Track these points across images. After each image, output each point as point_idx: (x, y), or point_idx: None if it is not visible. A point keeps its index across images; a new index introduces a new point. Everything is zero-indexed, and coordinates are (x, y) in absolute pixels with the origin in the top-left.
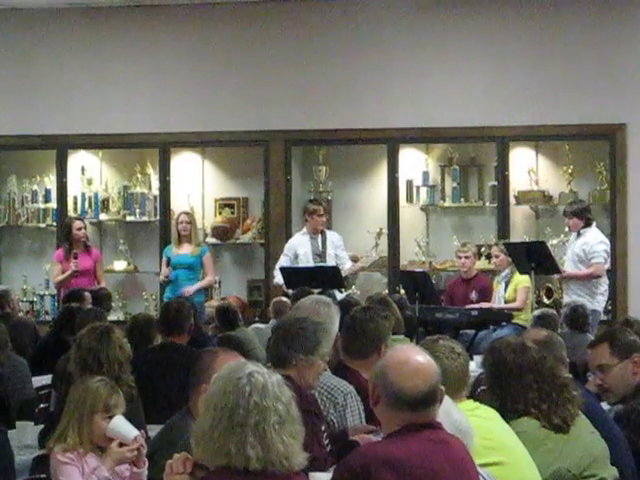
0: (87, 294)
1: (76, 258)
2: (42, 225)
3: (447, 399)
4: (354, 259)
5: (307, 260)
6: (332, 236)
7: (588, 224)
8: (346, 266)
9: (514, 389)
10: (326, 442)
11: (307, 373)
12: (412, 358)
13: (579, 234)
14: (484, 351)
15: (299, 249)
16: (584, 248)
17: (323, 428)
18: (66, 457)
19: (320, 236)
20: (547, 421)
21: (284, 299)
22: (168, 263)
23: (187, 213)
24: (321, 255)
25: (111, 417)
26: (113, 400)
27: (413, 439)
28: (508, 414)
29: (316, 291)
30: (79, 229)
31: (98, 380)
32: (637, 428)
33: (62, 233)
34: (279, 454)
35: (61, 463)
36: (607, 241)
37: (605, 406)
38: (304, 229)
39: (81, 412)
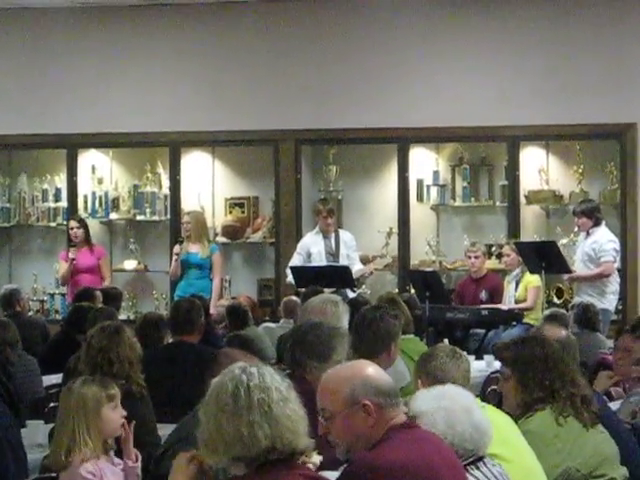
0: (98, 293)
1: (74, 246)
2: (52, 224)
3: (469, 397)
4: (364, 259)
5: (320, 259)
6: (345, 236)
7: (597, 223)
8: (355, 268)
9: (540, 378)
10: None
11: (321, 379)
12: (369, 364)
13: (588, 233)
14: (499, 347)
15: (312, 248)
16: (594, 247)
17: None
18: (89, 474)
19: (333, 235)
20: (573, 409)
21: (295, 298)
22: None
23: (188, 214)
24: (334, 255)
25: (116, 406)
26: (111, 389)
27: (406, 442)
28: (530, 406)
29: (328, 290)
30: (71, 229)
31: (84, 380)
32: None
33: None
34: (287, 428)
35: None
36: (616, 240)
37: (614, 405)
38: (317, 228)
39: (86, 414)
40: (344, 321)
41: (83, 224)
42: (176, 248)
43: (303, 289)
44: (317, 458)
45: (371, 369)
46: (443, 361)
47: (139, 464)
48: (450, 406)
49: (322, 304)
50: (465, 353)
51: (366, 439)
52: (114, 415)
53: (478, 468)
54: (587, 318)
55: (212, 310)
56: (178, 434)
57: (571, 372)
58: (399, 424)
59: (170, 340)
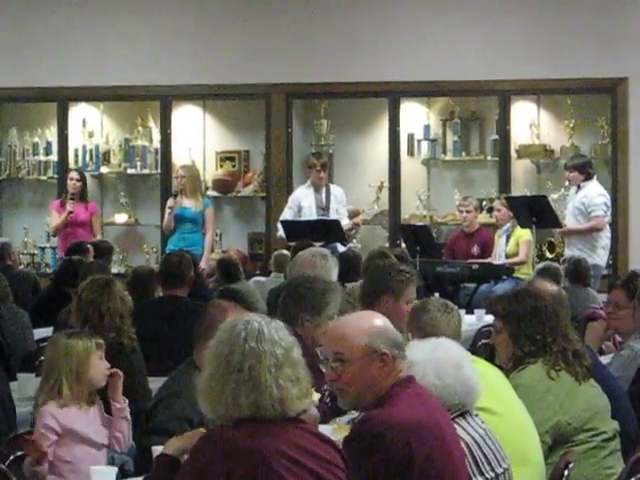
0: (89, 247)
1: (72, 199)
2: (43, 177)
3: (461, 351)
4: (355, 213)
5: (310, 213)
6: (336, 190)
7: (589, 178)
8: (343, 222)
9: (532, 331)
10: (327, 399)
11: (313, 332)
12: (380, 316)
13: (579, 188)
14: (492, 300)
15: (303, 201)
16: (584, 201)
17: (325, 386)
18: (49, 415)
19: (324, 190)
20: (565, 364)
21: (285, 252)
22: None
23: (182, 167)
24: (324, 209)
25: (102, 356)
26: (98, 338)
27: (412, 397)
28: (521, 359)
29: (318, 244)
30: (71, 179)
31: (71, 332)
32: None
33: (60, 185)
34: (272, 398)
35: (54, 415)
36: (607, 194)
37: (605, 359)
38: (308, 182)
39: (77, 362)
40: (333, 274)
41: (83, 178)
42: (170, 202)
43: (294, 243)
44: (315, 396)
45: (382, 320)
46: (434, 315)
47: (126, 406)
48: (441, 358)
49: (311, 257)
50: (456, 307)
51: (376, 389)
52: (101, 364)
53: (467, 421)
54: (578, 272)
55: (204, 264)
56: (169, 388)
57: (563, 326)
58: (403, 378)
59: (160, 294)
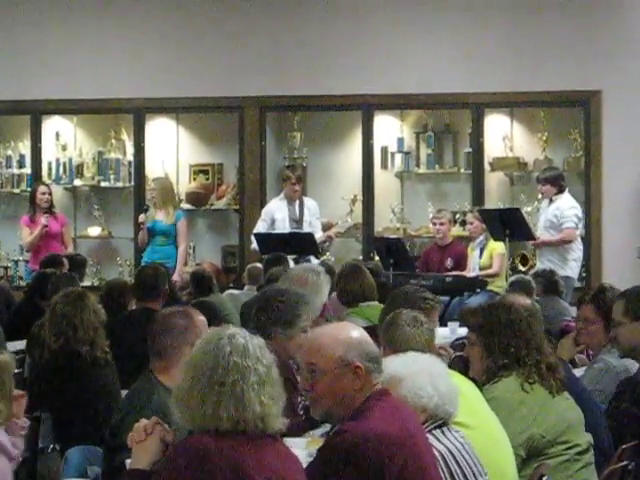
0: (64, 259)
1: (46, 213)
2: (16, 190)
3: (440, 362)
4: (328, 225)
5: (284, 226)
6: (309, 203)
7: (561, 191)
8: (317, 235)
9: (506, 344)
10: (301, 412)
11: (286, 345)
12: (358, 329)
13: (551, 200)
14: (466, 313)
15: (276, 214)
16: (555, 214)
17: (300, 398)
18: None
19: (297, 202)
20: (538, 377)
21: (259, 265)
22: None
23: (155, 180)
24: (298, 221)
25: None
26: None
27: (386, 409)
28: (495, 371)
29: (291, 257)
30: (43, 194)
31: None
32: (637, 400)
33: (29, 199)
34: (255, 414)
35: None
36: (578, 206)
37: (578, 372)
38: (281, 194)
39: (5, 380)
40: (324, 291)
41: (50, 191)
42: (141, 217)
43: (267, 256)
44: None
45: (359, 332)
46: (403, 330)
47: (27, 426)
48: (430, 369)
49: (303, 273)
50: (426, 320)
51: (349, 402)
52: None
53: (444, 433)
54: (550, 284)
55: (177, 277)
56: (133, 402)
57: (537, 339)
58: (377, 391)
59: (134, 306)
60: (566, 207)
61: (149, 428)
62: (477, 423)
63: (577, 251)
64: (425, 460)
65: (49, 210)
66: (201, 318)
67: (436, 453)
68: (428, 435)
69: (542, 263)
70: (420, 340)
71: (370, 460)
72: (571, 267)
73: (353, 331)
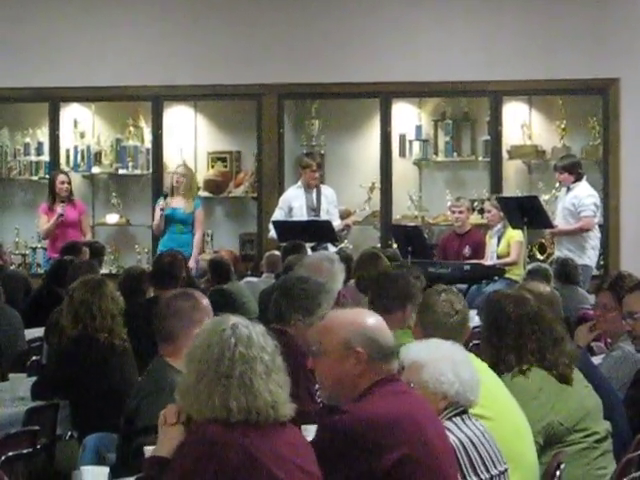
0: (85, 247)
1: (63, 202)
2: (34, 178)
3: (463, 350)
4: (346, 213)
5: (301, 214)
6: (327, 191)
7: (579, 179)
8: (335, 223)
9: (512, 340)
10: (319, 399)
11: (305, 332)
12: (375, 316)
13: (569, 189)
14: (481, 303)
15: (293, 202)
16: (573, 202)
17: (317, 386)
18: None
19: (315, 190)
20: (545, 368)
21: (277, 253)
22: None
23: (182, 166)
24: (315, 209)
25: None
26: None
27: (391, 394)
28: (502, 366)
29: (309, 245)
30: (62, 183)
31: None
32: None
33: (48, 187)
34: (266, 403)
35: None
36: (596, 195)
37: (596, 360)
38: (299, 182)
39: None
40: (339, 279)
41: (69, 179)
42: (161, 203)
43: (285, 243)
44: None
45: (373, 320)
46: (436, 317)
47: None
48: (452, 356)
49: (318, 261)
50: (463, 304)
51: (350, 386)
52: None
53: (464, 421)
54: (566, 272)
55: (192, 263)
56: (147, 386)
57: (552, 330)
58: (386, 378)
59: (152, 294)
60: (584, 195)
61: (180, 414)
62: (497, 413)
63: (595, 239)
64: (434, 448)
65: (68, 198)
66: (205, 300)
67: (456, 441)
68: (448, 423)
69: (560, 251)
70: (452, 329)
71: (362, 441)
72: (589, 255)
73: (367, 317)
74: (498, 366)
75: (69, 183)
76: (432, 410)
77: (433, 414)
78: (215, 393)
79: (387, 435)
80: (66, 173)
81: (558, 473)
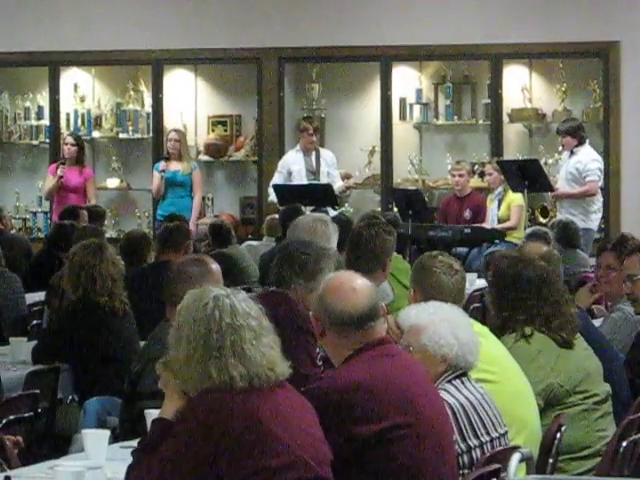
0: (83, 211)
1: (63, 164)
2: (35, 142)
3: (462, 312)
4: (346, 177)
5: (300, 178)
6: (325, 154)
7: (581, 142)
8: (337, 185)
9: (517, 299)
10: (320, 362)
11: (306, 297)
12: (346, 281)
13: (572, 152)
14: (488, 262)
15: (293, 166)
16: (577, 167)
17: (318, 349)
18: None
19: (314, 154)
20: (550, 332)
21: (277, 217)
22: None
23: (176, 131)
24: (315, 173)
25: None
26: None
27: (372, 359)
28: (508, 326)
29: (309, 208)
30: (66, 144)
31: None
32: None
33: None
34: (263, 367)
35: None
36: (600, 159)
37: (596, 323)
38: (297, 146)
39: None
40: (333, 241)
41: (78, 142)
42: (162, 165)
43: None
44: None
45: (340, 291)
46: (438, 278)
47: None
48: (451, 318)
49: (312, 223)
50: (461, 267)
51: (339, 358)
52: None
53: (464, 384)
54: (567, 235)
55: (191, 227)
56: (152, 350)
57: (557, 295)
58: (371, 342)
59: (153, 258)
60: (588, 160)
61: None
62: (499, 376)
63: (598, 203)
64: (423, 413)
65: (76, 162)
66: (215, 265)
67: (456, 403)
68: (447, 385)
69: (562, 215)
70: (453, 289)
71: (338, 408)
72: (592, 219)
73: (332, 290)
74: (505, 324)
75: (73, 145)
76: (423, 373)
77: (423, 377)
78: (210, 366)
79: (366, 402)
80: (75, 136)
81: (559, 435)
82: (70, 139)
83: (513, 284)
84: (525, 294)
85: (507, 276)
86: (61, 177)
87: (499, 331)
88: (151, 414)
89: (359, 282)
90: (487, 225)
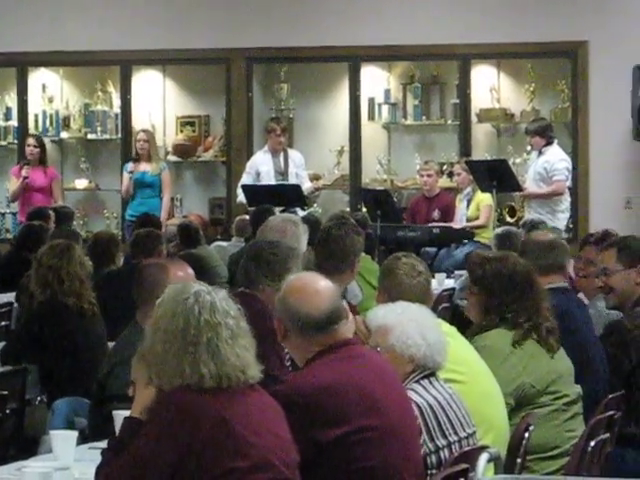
0: (51, 212)
1: (27, 164)
2: (3, 143)
3: (430, 312)
4: (315, 178)
5: (269, 179)
6: (294, 155)
7: (550, 142)
8: (305, 186)
9: (509, 300)
10: (288, 363)
11: (273, 297)
12: (309, 283)
13: (540, 152)
14: (467, 265)
15: (261, 167)
16: (545, 166)
17: (286, 350)
18: None
19: (282, 155)
20: (537, 335)
21: (246, 217)
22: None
23: (145, 131)
24: (283, 174)
25: None
26: None
27: (336, 361)
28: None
29: (278, 209)
30: (28, 146)
31: None
32: (621, 344)
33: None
34: (235, 368)
35: None
36: (568, 159)
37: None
38: (265, 147)
39: None
40: (303, 241)
41: (40, 143)
42: (131, 165)
43: (254, 208)
44: None
45: (300, 293)
46: (401, 280)
47: None
48: (418, 319)
49: (282, 223)
50: (425, 267)
51: (300, 355)
52: None
53: (432, 384)
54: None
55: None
56: (121, 352)
57: (537, 298)
58: (333, 344)
59: (122, 259)
60: (556, 160)
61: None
62: (467, 376)
63: (565, 202)
64: (388, 414)
65: (40, 162)
66: (185, 270)
67: (424, 403)
68: (415, 385)
69: (530, 215)
70: (416, 291)
71: (298, 411)
72: (559, 218)
73: (292, 292)
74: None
75: (36, 147)
76: (391, 373)
77: (391, 378)
78: (184, 361)
79: (330, 405)
80: (37, 137)
81: (527, 435)
82: (32, 140)
83: (510, 284)
84: (508, 295)
85: (502, 276)
86: (26, 178)
87: (484, 331)
88: (120, 415)
89: (322, 284)
90: (456, 225)
